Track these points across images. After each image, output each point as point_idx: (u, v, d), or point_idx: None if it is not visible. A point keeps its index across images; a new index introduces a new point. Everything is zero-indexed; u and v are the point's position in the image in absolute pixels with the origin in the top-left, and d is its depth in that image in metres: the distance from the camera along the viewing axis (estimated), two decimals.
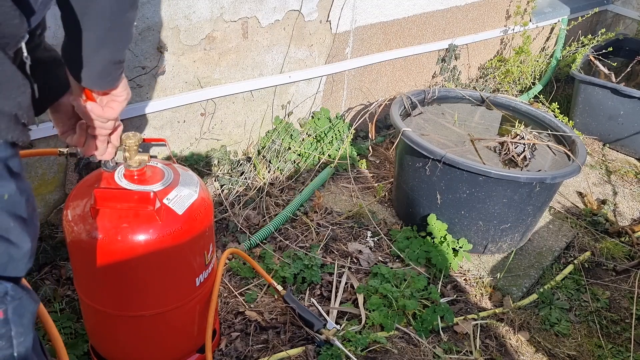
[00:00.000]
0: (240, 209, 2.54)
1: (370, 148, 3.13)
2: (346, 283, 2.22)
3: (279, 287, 2.05)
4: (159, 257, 1.37)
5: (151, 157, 1.41)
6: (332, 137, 2.97)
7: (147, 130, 2.31)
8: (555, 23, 4.38)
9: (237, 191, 2.61)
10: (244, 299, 2.07)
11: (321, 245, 2.39)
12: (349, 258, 2.37)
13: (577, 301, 2.34)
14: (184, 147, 2.50)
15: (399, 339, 2.01)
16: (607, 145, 3.70)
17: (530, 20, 4.06)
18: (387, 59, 3.22)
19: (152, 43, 2.13)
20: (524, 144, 2.52)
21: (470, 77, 3.98)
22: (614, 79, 3.64)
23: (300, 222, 2.53)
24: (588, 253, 2.61)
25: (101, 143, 1.15)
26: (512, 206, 2.32)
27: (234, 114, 2.62)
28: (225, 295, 2.09)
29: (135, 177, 1.39)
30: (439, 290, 2.23)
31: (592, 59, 3.85)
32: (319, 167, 2.90)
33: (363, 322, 2.03)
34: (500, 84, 4.01)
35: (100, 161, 1.28)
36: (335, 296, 2.14)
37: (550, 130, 2.73)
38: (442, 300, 2.19)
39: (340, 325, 1.99)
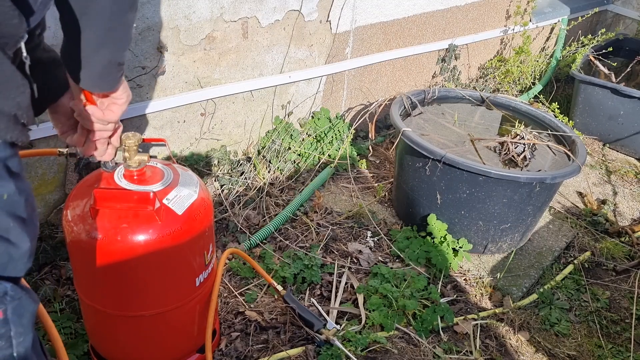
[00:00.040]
0: (240, 209, 2.54)
1: (370, 148, 3.13)
2: (346, 283, 2.22)
3: (279, 287, 2.05)
4: (159, 257, 1.37)
5: (151, 157, 1.41)
6: (332, 137, 2.97)
7: (147, 130, 2.31)
8: (555, 23, 4.38)
9: (237, 191, 2.61)
10: (244, 299, 2.07)
11: (321, 245, 2.39)
12: (349, 258, 2.37)
13: (577, 301, 2.34)
14: (184, 147, 2.50)
15: (399, 339, 2.01)
16: (607, 145, 3.70)
17: (530, 20, 4.06)
18: (387, 59, 3.22)
19: (152, 43, 2.13)
20: (524, 144, 2.52)
21: (470, 77, 3.98)
22: (614, 79, 3.64)
23: (300, 222, 2.53)
24: (588, 253, 2.61)
25: (101, 144, 1.15)
26: (512, 206, 2.32)
27: (234, 114, 2.62)
28: (225, 295, 2.09)
29: (135, 177, 1.39)
30: (439, 290, 2.23)
31: (592, 59, 3.85)
32: (319, 167, 2.90)
33: (363, 322, 2.03)
34: (500, 84, 4.01)
35: (100, 161, 1.28)
36: (335, 296, 2.14)
37: (550, 130, 2.73)
38: (442, 300, 2.19)
39: (340, 325, 1.99)
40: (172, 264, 1.42)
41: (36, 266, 2.03)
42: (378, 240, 2.51)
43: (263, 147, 2.79)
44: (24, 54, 0.83)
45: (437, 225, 2.42)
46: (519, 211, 2.36)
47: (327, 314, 2.05)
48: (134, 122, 2.24)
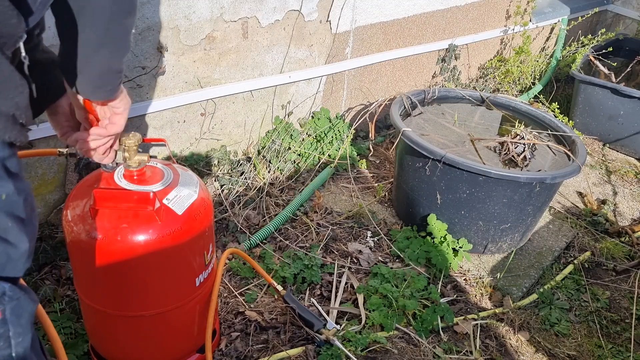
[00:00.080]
0: (240, 209, 2.54)
1: (370, 148, 3.13)
2: (346, 283, 2.22)
3: (279, 287, 2.05)
4: (159, 257, 1.37)
5: (151, 157, 1.41)
6: (332, 137, 2.97)
7: (147, 130, 2.31)
8: (555, 23, 4.38)
9: (237, 191, 2.61)
10: (244, 299, 2.07)
11: (321, 245, 2.39)
12: (349, 258, 2.37)
13: (577, 301, 2.34)
14: (184, 147, 2.50)
15: (399, 339, 2.01)
16: (607, 145, 3.70)
17: (530, 20, 4.06)
18: (387, 59, 3.22)
19: (152, 43, 2.13)
20: (524, 144, 2.52)
21: (470, 77, 3.98)
22: (614, 79, 3.64)
23: (300, 222, 2.53)
24: (588, 253, 2.61)
25: (102, 149, 1.15)
26: (512, 206, 2.32)
27: (234, 114, 2.62)
28: (225, 295, 2.09)
29: (135, 178, 1.39)
30: (439, 290, 2.23)
31: (592, 59, 3.85)
32: (319, 167, 2.90)
33: (363, 322, 2.03)
34: (500, 84, 4.01)
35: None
36: (335, 296, 2.14)
37: (550, 130, 2.72)
38: (442, 300, 2.19)
39: (340, 325, 1.99)
40: (172, 264, 1.42)
41: (36, 266, 2.03)
42: (378, 240, 2.51)
43: (263, 147, 2.79)
44: (23, 54, 0.83)
45: (437, 225, 2.42)
46: (519, 211, 2.36)
47: (327, 314, 2.05)
48: (134, 122, 2.24)
